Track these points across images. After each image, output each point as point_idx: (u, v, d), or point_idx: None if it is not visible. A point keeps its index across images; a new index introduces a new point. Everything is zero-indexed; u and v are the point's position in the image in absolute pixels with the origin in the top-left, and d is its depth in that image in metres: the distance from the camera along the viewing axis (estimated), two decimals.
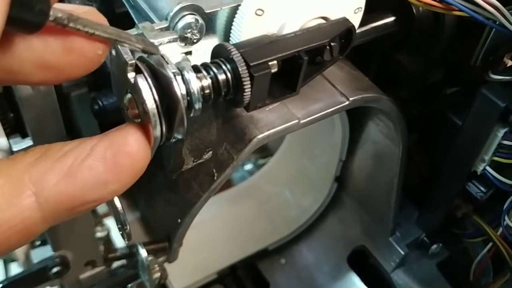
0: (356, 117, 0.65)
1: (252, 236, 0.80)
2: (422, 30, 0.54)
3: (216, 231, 0.79)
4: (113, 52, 0.32)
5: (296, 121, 0.47)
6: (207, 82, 0.33)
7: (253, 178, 0.85)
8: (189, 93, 0.31)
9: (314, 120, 0.48)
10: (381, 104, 0.54)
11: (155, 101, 0.30)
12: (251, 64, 0.33)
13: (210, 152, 0.45)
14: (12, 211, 0.27)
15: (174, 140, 0.33)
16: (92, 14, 0.28)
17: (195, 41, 0.36)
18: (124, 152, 0.29)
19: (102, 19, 0.29)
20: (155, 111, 0.30)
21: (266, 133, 0.46)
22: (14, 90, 0.36)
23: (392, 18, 0.54)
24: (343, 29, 0.38)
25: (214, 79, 0.33)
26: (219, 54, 0.35)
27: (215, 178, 0.48)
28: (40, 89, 0.36)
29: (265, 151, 0.92)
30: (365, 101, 0.52)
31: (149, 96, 0.30)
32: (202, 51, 0.37)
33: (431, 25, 0.55)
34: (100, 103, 0.41)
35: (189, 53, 0.36)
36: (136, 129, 0.30)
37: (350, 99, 0.50)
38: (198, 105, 0.32)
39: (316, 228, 0.80)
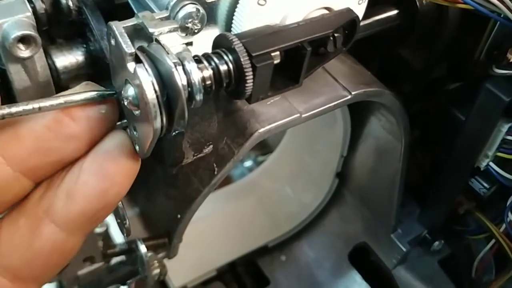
0: (358, 112, 0.65)
1: (252, 232, 0.79)
2: (426, 24, 0.54)
3: (215, 228, 0.78)
4: (113, 42, 0.31)
5: (298, 115, 0.47)
6: (208, 72, 0.32)
7: (253, 174, 0.84)
8: (190, 84, 0.31)
9: (316, 114, 0.48)
10: (383, 98, 0.53)
11: (155, 92, 0.29)
12: (254, 54, 0.33)
13: (211, 146, 0.44)
14: (39, 241, 0.32)
15: (174, 133, 0.32)
16: None
17: (196, 31, 0.35)
18: (108, 159, 0.32)
19: None
20: (155, 101, 0.29)
21: (268, 127, 0.45)
22: (11, 82, 0.35)
23: (395, 11, 0.53)
24: (347, 20, 0.38)
25: (216, 70, 0.32)
26: (221, 44, 0.34)
27: (216, 173, 0.47)
28: (38, 80, 0.36)
29: (265, 147, 0.91)
30: (367, 95, 0.51)
31: (149, 86, 0.29)
32: (203, 41, 0.36)
33: (435, 18, 0.54)
34: None
35: (190, 43, 0.35)
36: (115, 133, 0.33)
37: (353, 93, 0.49)
38: (199, 97, 0.31)
39: (317, 225, 0.80)
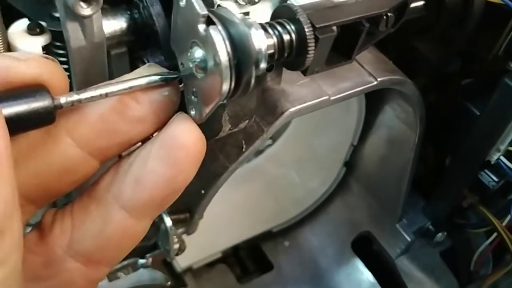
0: (372, 101, 0.65)
1: (258, 216, 0.80)
2: (451, 16, 0.55)
3: (222, 211, 0.78)
4: (182, 4, 0.31)
5: (327, 97, 0.47)
6: (272, 41, 0.33)
7: (260, 158, 0.84)
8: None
9: (343, 98, 0.48)
10: (405, 87, 0.54)
11: (228, 53, 0.29)
12: (317, 26, 0.33)
13: (247, 121, 0.45)
14: (110, 227, 0.33)
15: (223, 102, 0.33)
16: None
17: (256, 0, 0.35)
18: (176, 146, 0.32)
19: None
20: (228, 63, 0.29)
21: (298, 107, 0.46)
22: (66, 42, 0.35)
23: (422, 2, 0.54)
24: (400, 1, 0.38)
25: (279, 39, 0.33)
26: (282, 15, 0.34)
27: (244, 150, 0.47)
28: (93, 41, 0.36)
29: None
30: (392, 82, 0.52)
31: (222, 47, 0.29)
32: (258, 13, 0.37)
33: (460, 11, 0.55)
34: (146, 62, 0.40)
35: (247, 14, 0.36)
36: (181, 119, 0.33)
37: (378, 79, 0.50)
38: (263, 64, 0.31)
39: (322, 212, 0.81)
